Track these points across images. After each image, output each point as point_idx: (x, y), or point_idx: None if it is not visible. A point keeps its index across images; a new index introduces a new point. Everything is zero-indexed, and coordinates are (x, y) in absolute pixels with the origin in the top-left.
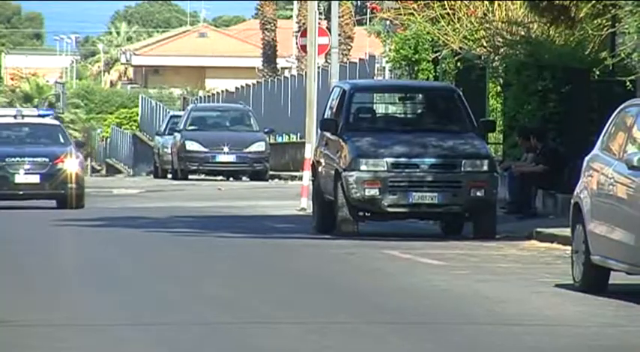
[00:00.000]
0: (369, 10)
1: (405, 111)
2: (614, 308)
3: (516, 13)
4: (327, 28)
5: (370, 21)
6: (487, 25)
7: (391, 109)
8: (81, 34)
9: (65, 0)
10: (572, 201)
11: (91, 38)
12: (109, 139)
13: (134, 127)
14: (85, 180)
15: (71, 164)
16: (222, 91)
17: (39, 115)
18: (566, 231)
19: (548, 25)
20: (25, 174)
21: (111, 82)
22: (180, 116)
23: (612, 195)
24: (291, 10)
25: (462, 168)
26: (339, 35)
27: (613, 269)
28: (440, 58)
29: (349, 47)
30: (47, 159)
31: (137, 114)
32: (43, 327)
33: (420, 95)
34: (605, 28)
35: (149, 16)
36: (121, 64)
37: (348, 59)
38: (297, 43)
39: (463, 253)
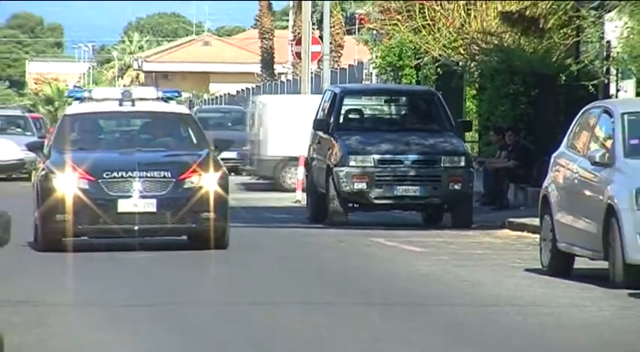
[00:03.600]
0: (357, 21)
1: (390, 113)
2: (577, 291)
3: (490, 24)
4: (319, 37)
5: (359, 31)
6: (464, 35)
7: (377, 111)
8: (97, 43)
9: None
10: (540, 193)
11: (106, 46)
12: None
13: None
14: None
15: (208, 180)
16: (225, 94)
17: (159, 98)
18: (535, 221)
19: (519, 34)
20: (135, 198)
21: (124, 85)
22: None
23: (577, 188)
24: (287, 21)
25: (442, 164)
26: (331, 43)
27: (577, 255)
28: (421, 64)
29: (340, 54)
30: (169, 174)
31: None
32: (61, 307)
33: (404, 98)
34: (570, 38)
35: (159, 27)
36: (134, 70)
37: (338, 65)
38: (292, 51)
39: (443, 241)
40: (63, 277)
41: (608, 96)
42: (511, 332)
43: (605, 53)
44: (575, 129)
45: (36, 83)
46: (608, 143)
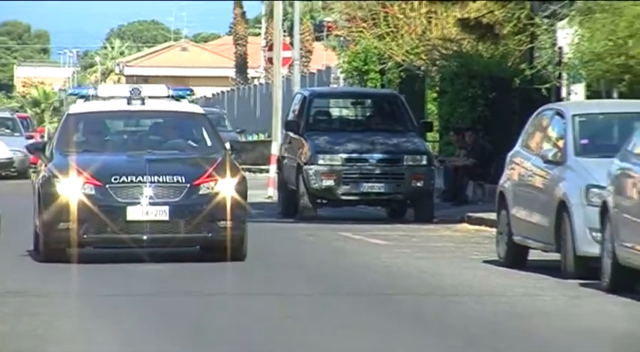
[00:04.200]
0: (325, 28)
1: (356, 114)
2: (532, 281)
3: (450, 31)
4: (290, 43)
5: (327, 37)
6: (425, 41)
7: (344, 112)
8: (81, 49)
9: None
10: (497, 190)
11: (89, 52)
12: None
13: None
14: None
15: (226, 185)
16: (201, 97)
17: (170, 97)
18: (493, 216)
19: (476, 41)
20: (145, 205)
21: None
22: None
23: (531, 184)
24: (260, 28)
25: (405, 163)
26: (301, 49)
27: (531, 247)
28: (385, 69)
29: (309, 60)
30: (183, 178)
31: None
32: (51, 298)
33: (369, 100)
34: (525, 44)
35: (139, 34)
36: (115, 74)
37: (308, 70)
38: (264, 56)
39: (405, 234)
40: (65, 286)
41: (560, 99)
42: (469, 320)
43: (557, 59)
44: (530, 130)
45: (24, 86)
46: (560, 143)
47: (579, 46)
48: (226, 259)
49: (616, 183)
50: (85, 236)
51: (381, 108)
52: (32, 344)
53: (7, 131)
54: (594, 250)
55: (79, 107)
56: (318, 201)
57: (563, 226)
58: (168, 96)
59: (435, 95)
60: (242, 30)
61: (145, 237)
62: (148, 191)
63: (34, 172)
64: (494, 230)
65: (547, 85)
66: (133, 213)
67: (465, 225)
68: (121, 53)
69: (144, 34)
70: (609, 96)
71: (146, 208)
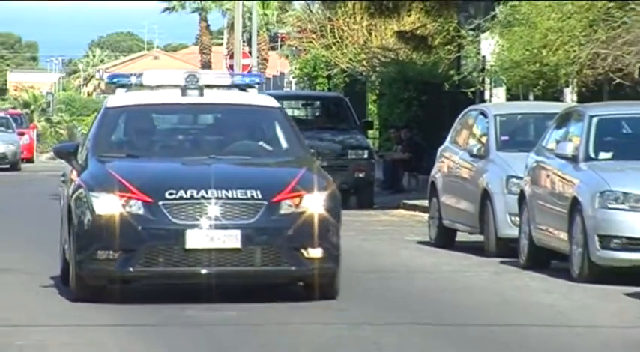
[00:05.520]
0: (279, 39)
1: (306, 114)
2: (459, 259)
3: (388, 41)
4: (248, 52)
5: (281, 47)
6: (367, 50)
7: (296, 113)
8: (66, 57)
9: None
10: (429, 180)
11: (73, 60)
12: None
13: None
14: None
15: (314, 202)
16: None
17: (234, 86)
18: (425, 203)
19: (411, 50)
20: (209, 228)
21: (88, 92)
22: None
23: (458, 175)
24: (222, 39)
25: (349, 156)
26: (258, 57)
27: (459, 230)
28: (332, 74)
29: (265, 67)
30: (259, 194)
31: None
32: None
33: (317, 102)
34: (453, 53)
35: (116, 44)
36: (96, 79)
37: (264, 76)
38: (226, 64)
39: (350, 219)
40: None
41: (484, 101)
42: (404, 293)
43: (481, 66)
44: (457, 128)
45: (15, 90)
46: (484, 139)
47: (500, 55)
48: (314, 298)
49: (532, 174)
50: (130, 269)
51: (328, 109)
52: None
53: (1, 128)
54: (513, 232)
55: (120, 99)
56: None
57: (486, 212)
58: (231, 85)
59: (375, 97)
60: (207, 40)
61: (209, 271)
62: (213, 210)
63: (63, 182)
64: (426, 215)
65: (472, 89)
66: (194, 239)
67: (401, 211)
68: (101, 61)
69: (121, 44)
70: (526, 98)
71: (211, 232)
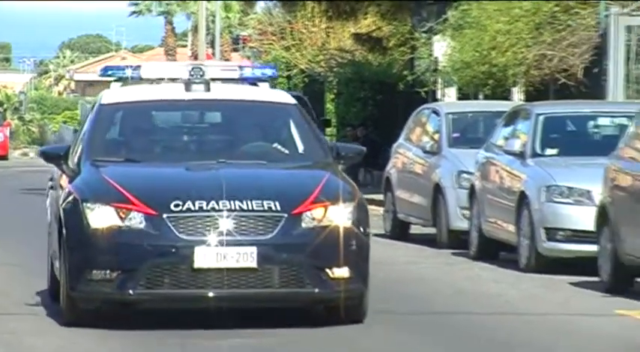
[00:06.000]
0: (241, 41)
1: None
2: (413, 251)
3: (345, 43)
4: (212, 53)
5: (243, 49)
6: (325, 52)
7: None
8: (37, 58)
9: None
10: (384, 175)
11: (44, 61)
12: (57, 132)
13: (75, 123)
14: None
15: (339, 214)
16: None
17: (244, 79)
18: (380, 197)
19: (367, 52)
20: (220, 245)
21: (59, 92)
22: None
23: (412, 171)
24: (187, 41)
25: None
26: (221, 59)
27: (413, 223)
28: (292, 75)
29: None
30: (278, 205)
31: (78, 115)
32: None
33: None
34: (407, 54)
35: (86, 45)
36: (66, 79)
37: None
38: None
39: None
40: None
41: (436, 100)
42: None
43: (433, 67)
44: (411, 126)
45: None
46: (436, 136)
47: (451, 56)
48: (338, 320)
49: (482, 170)
50: (130, 291)
51: None
52: None
53: None
54: (464, 225)
55: (116, 94)
56: None
57: (439, 205)
58: (240, 79)
59: (332, 97)
60: (172, 42)
61: (220, 294)
62: (225, 224)
63: (51, 187)
64: (381, 209)
65: (425, 89)
66: (204, 258)
67: None
68: (71, 62)
69: (90, 45)
70: (476, 97)
71: (223, 250)
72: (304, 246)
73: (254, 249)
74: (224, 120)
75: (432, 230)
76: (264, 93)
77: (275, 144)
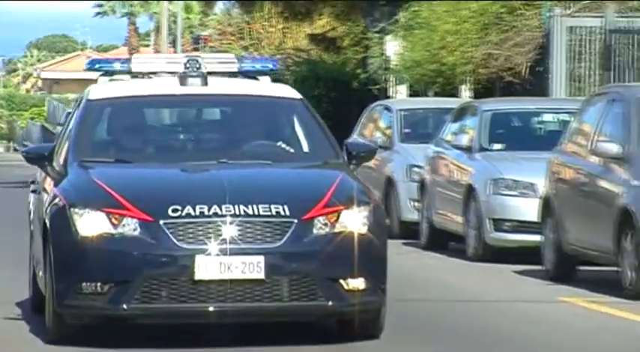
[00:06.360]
0: (202, 41)
1: None
2: None
3: (301, 43)
4: (174, 52)
5: (203, 48)
6: (282, 51)
7: None
8: (6, 56)
9: None
10: None
11: (12, 59)
12: (25, 128)
13: (42, 120)
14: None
15: (354, 219)
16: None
17: (242, 73)
18: None
19: (322, 51)
20: (223, 254)
21: (26, 89)
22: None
23: (365, 165)
24: (150, 40)
25: None
26: None
27: None
28: None
29: None
30: (287, 210)
31: (45, 111)
32: None
33: None
34: (360, 53)
35: (52, 45)
36: (33, 77)
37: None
38: None
39: None
40: None
41: (388, 97)
42: None
43: (385, 65)
44: (364, 122)
45: None
46: (388, 132)
47: (403, 55)
48: (353, 336)
49: (431, 164)
50: (124, 305)
51: None
52: None
53: None
54: (414, 216)
55: (105, 89)
56: None
57: (391, 197)
58: (239, 73)
59: None
60: (135, 42)
61: (223, 308)
62: (229, 230)
63: (33, 191)
64: None
65: (378, 86)
66: (205, 268)
67: None
68: (38, 60)
69: (56, 45)
70: (426, 95)
71: (226, 259)
72: (316, 255)
73: (261, 259)
74: (223, 117)
75: None
76: (266, 87)
77: (280, 143)
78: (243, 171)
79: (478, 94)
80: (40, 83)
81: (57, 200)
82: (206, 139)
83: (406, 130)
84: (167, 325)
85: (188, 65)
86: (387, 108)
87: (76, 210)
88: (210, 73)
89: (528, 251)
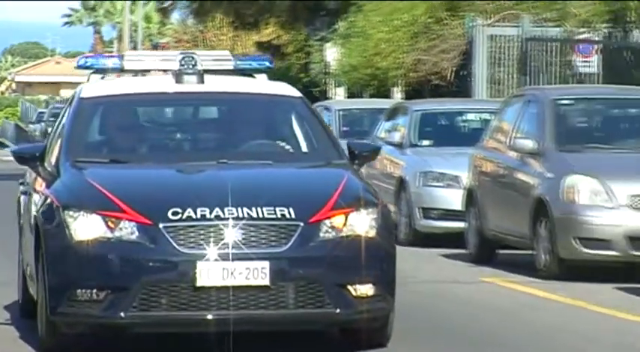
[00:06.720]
0: (161, 48)
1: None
2: None
3: (250, 50)
4: None
5: None
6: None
7: None
8: None
9: None
10: None
11: None
12: (1, 127)
13: (16, 119)
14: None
15: (361, 222)
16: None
17: (238, 70)
18: None
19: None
20: (226, 259)
21: (1, 92)
22: (44, 112)
23: None
24: (113, 47)
25: None
26: None
27: None
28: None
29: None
30: (292, 212)
31: (19, 111)
32: None
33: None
34: (302, 59)
35: (25, 51)
36: (8, 80)
37: None
38: None
39: None
40: None
41: (327, 99)
42: None
43: (325, 70)
44: None
45: None
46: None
47: (341, 61)
48: (359, 345)
49: None
50: (121, 314)
51: None
52: None
53: None
54: None
55: (97, 87)
56: None
57: None
58: (235, 70)
59: None
60: (100, 49)
61: (226, 316)
62: (231, 234)
63: (23, 192)
64: None
65: (318, 89)
66: (207, 274)
67: None
68: (12, 65)
69: (29, 51)
70: (362, 96)
71: (229, 265)
72: (324, 260)
73: (266, 264)
74: (221, 116)
75: None
76: (264, 85)
77: (280, 142)
78: (245, 172)
79: (409, 96)
80: (14, 86)
81: (49, 202)
82: (204, 139)
83: (344, 128)
84: (167, 334)
85: (183, 62)
86: (327, 109)
87: (70, 212)
88: (205, 71)
89: (453, 236)
